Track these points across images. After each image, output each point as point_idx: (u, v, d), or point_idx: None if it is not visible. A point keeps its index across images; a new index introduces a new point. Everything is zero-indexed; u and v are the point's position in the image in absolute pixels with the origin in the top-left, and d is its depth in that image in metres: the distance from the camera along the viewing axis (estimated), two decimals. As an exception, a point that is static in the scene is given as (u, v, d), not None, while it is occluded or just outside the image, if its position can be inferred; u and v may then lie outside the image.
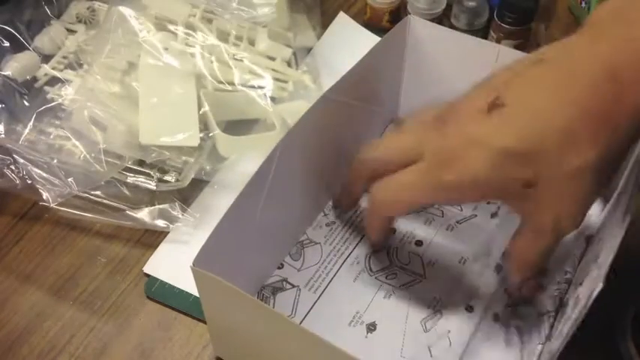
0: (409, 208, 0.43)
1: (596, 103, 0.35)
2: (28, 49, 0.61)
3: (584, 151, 0.35)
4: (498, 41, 0.66)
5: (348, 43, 0.69)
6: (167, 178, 0.55)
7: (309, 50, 0.67)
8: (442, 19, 0.69)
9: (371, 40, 0.68)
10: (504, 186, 0.37)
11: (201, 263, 0.38)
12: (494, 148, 0.36)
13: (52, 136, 0.56)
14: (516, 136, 0.36)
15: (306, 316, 0.48)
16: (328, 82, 0.61)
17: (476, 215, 0.54)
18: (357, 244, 0.52)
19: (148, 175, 0.55)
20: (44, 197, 0.52)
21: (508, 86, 0.37)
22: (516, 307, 0.48)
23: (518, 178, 0.36)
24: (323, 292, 0.49)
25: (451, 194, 0.39)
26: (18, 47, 0.61)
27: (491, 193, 0.39)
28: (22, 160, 0.53)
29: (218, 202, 0.56)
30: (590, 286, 0.41)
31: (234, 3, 0.59)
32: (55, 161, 0.53)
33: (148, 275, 0.52)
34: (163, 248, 0.54)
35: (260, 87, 0.58)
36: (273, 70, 0.61)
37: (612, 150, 0.36)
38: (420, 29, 0.55)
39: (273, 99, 0.58)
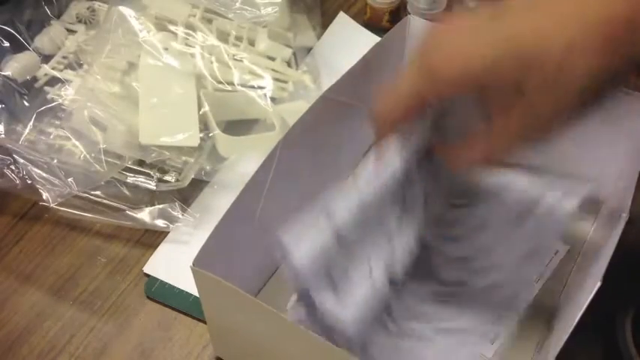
0: (407, 108, 0.41)
1: (612, 14, 0.34)
2: (28, 49, 0.61)
3: (587, 63, 0.34)
4: (498, 41, 0.66)
5: (348, 43, 0.69)
6: (167, 178, 0.55)
7: (309, 50, 0.67)
8: (442, 19, 0.69)
9: (371, 40, 0.68)
10: (497, 80, 0.36)
11: (201, 263, 0.38)
12: (499, 35, 0.35)
13: (52, 136, 0.56)
14: (527, 28, 0.35)
15: None
16: (328, 82, 0.61)
17: None
18: None
19: (148, 175, 0.55)
20: (44, 197, 0.52)
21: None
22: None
23: (513, 75, 0.35)
24: None
25: (443, 87, 0.38)
26: (18, 47, 0.61)
27: (481, 86, 0.37)
28: (22, 160, 0.53)
29: (218, 202, 0.56)
30: (587, 284, 0.41)
31: (238, 3, 0.59)
32: (55, 161, 0.53)
33: (148, 275, 0.52)
34: (163, 248, 0.54)
35: (260, 87, 0.58)
36: (273, 70, 0.61)
37: (616, 67, 0.35)
38: (420, 29, 0.55)
39: (273, 99, 0.58)
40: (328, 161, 0.54)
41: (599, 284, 0.36)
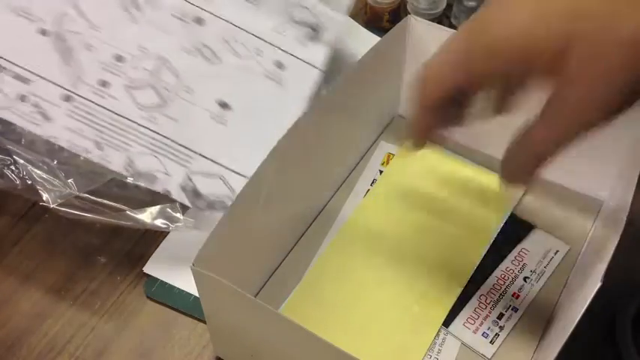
0: (456, 77, 0.39)
1: None
2: (28, 50, 0.61)
3: (629, 21, 0.32)
4: (498, 41, 0.66)
5: (349, 43, 0.69)
6: (167, 178, 0.55)
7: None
8: (442, 19, 0.69)
9: (371, 40, 0.68)
10: (537, 48, 0.34)
11: (201, 263, 0.38)
12: (534, 3, 0.34)
13: (52, 137, 0.56)
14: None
15: None
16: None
17: None
18: None
19: (148, 175, 0.55)
20: (44, 198, 0.52)
21: None
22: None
23: (553, 41, 0.34)
24: None
25: (489, 58, 0.36)
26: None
27: (523, 58, 0.35)
28: (22, 161, 0.53)
29: (218, 202, 0.56)
30: (587, 284, 0.41)
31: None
32: (55, 162, 0.53)
33: (148, 275, 0.52)
34: (163, 248, 0.54)
35: None
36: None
37: None
38: (420, 29, 0.55)
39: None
40: (327, 162, 0.54)
41: (599, 284, 0.36)
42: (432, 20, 0.66)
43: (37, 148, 0.54)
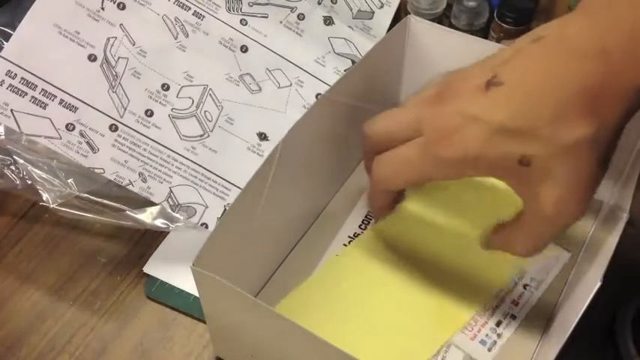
0: (408, 183, 0.44)
1: (587, 82, 0.35)
2: (28, 50, 0.61)
3: (576, 127, 0.35)
4: (498, 41, 0.66)
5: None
6: (167, 178, 0.55)
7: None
8: (442, 19, 0.69)
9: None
10: (499, 162, 0.38)
11: (201, 263, 0.38)
12: (489, 124, 0.37)
13: (52, 137, 0.56)
14: (510, 113, 0.37)
15: None
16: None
17: None
18: None
19: (148, 175, 0.55)
20: (44, 198, 0.52)
21: (507, 64, 0.38)
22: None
23: (512, 154, 0.37)
24: None
25: (448, 170, 0.40)
26: (18, 48, 0.61)
27: (487, 170, 0.39)
28: (22, 161, 0.53)
29: (218, 202, 0.56)
30: (587, 284, 0.41)
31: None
32: (55, 162, 0.53)
33: (148, 275, 0.52)
34: (163, 248, 0.54)
35: None
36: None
37: (606, 128, 0.36)
38: (420, 29, 0.55)
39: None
40: (328, 161, 0.54)
41: (599, 284, 0.36)
42: (432, 20, 0.66)
43: (37, 148, 0.54)
